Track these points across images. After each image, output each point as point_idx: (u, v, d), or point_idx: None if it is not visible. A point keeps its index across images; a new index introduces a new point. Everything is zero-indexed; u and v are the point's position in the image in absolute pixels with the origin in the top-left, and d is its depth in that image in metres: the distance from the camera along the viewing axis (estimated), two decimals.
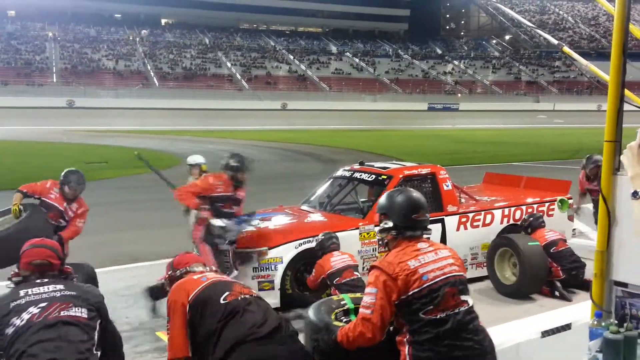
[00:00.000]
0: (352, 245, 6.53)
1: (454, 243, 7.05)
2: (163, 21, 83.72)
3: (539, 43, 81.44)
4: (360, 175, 7.52)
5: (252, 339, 2.88)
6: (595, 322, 2.90)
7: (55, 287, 2.99)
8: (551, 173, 17.46)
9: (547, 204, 7.99)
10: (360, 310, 2.79)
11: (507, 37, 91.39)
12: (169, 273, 3.47)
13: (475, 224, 7.37)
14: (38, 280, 3.04)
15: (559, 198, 8.03)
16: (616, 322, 2.86)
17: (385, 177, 7.23)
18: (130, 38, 73.14)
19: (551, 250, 6.93)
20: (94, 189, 15.95)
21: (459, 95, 69.83)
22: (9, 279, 3.13)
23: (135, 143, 29.71)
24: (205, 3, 79.60)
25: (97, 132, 39.95)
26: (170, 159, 22.06)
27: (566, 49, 5.77)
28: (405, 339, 2.77)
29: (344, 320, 3.29)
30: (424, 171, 7.41)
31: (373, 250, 6.74)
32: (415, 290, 2.73)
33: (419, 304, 2.73)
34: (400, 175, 7.18)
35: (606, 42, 77.76)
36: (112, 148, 27.36)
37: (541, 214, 7.66)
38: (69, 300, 2.93)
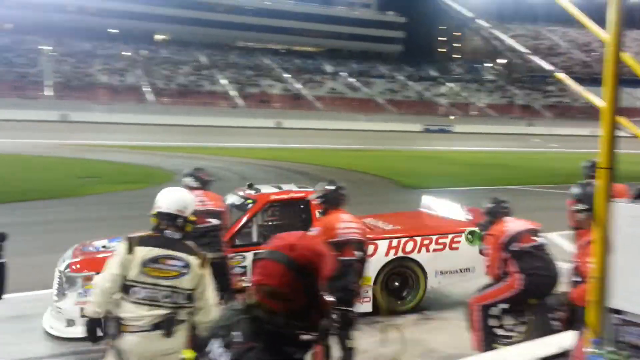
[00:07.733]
0: None
1: None
2: (159, 37, 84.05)
3: (533, 67, 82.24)
4: (232, 200, 7.15)
5: None
6: (592, 350, 2.89)
7: None
8: (546, 197, 17.54)
9: (450, 236, 7.06)
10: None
11: (501, 61, 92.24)
12: None
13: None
14: None
15: (468, 229, 7.07)
16: (612, 349, 2.84)
17: (250, 201, 6.90)
18: (124, 54, 73.25)
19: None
20: (86, 204, 15.89)
21: (453, 117, 70.24)
22: None
23: (129, 158, 29.61)
24: (201, 20, 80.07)
25: (90, 146, 39.83)
26: (162, 176, 21.97)
27: (559, 74, 5.81)
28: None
29: None
30: (296, 196, 7.02)
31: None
32: None
33: None
34: (266, 200, 6.89)
35: (599, 68, 78.55)
36: (105, 163, 27.22)
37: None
38: None
